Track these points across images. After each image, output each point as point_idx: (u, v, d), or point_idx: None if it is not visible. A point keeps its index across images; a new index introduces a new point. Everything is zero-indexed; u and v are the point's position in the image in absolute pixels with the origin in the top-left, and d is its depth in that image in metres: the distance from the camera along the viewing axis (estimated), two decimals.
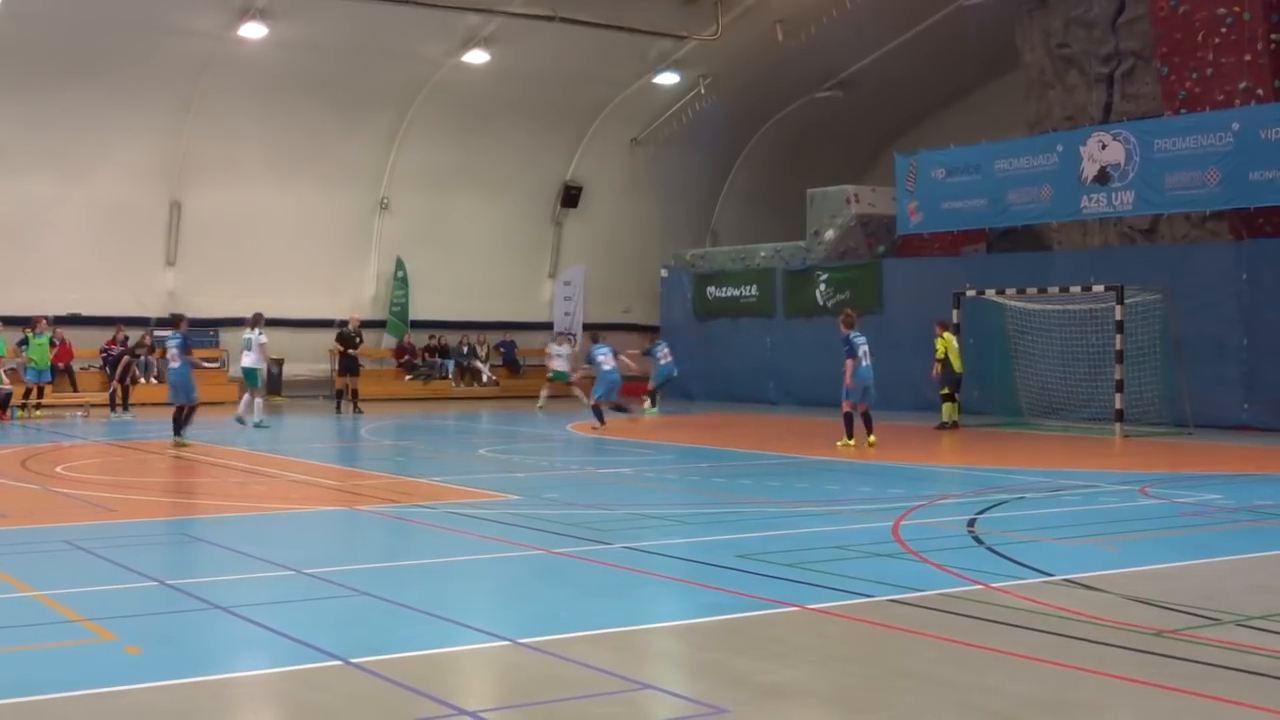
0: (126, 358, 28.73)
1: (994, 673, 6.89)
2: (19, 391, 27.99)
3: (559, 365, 31.01)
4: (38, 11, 28.95)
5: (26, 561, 10.30)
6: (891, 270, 30.47)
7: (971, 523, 12.28)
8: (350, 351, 29.84)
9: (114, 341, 30.61)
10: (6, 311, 29.43)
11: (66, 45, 29.90)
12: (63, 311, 31.32)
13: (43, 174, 31.32)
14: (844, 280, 31.33)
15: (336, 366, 31.45)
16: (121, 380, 28.41)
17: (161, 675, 6.86)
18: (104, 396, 29.06)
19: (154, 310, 33.15)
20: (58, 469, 17.42)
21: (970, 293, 26.11)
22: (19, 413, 27.66)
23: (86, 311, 31.97)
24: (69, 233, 31.72)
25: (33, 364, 28.03)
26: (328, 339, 33.08)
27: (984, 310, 26.51)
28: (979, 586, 9.06)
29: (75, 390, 30.64)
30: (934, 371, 24.49)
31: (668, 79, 36.11)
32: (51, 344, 29.07)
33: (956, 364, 24.36)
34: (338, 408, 29.94)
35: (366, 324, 34.00)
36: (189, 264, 33.53)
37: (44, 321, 28.97)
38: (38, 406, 28.23)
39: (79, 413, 29.23)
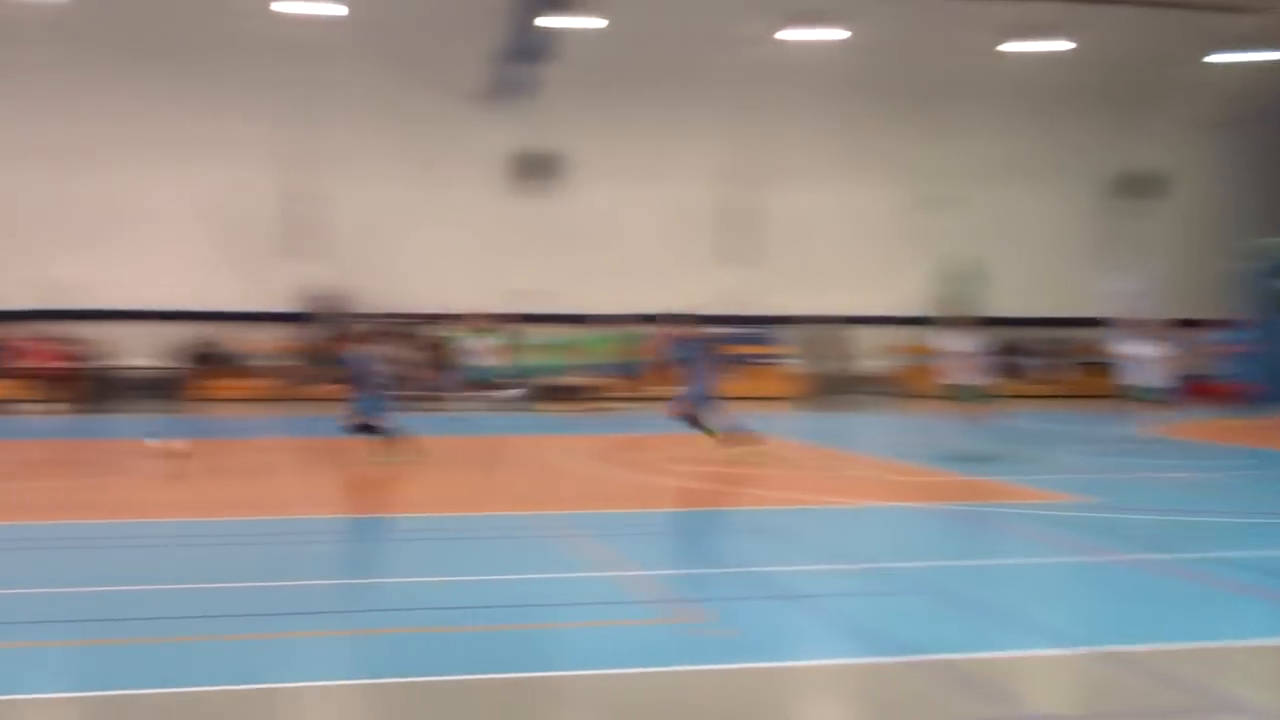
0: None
1: None
2: None
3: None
4: (636, 30, 31.35)
5: (621, 544, 10.92)
6: None
7: None
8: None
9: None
10: (591, 309, 31.69)
11: (648, 59, 32.12)
12: (644, 309, 33.25)
13: (625, 180, 33.71)
14: None
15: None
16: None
17: (744, 657, 7.14)
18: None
19: (715, 308, 34.77)
20: (643, 456, 18.43)
21: None
22: None
23: (665, 308, 33.81)
24: (649, 235, 33.91)
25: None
26: (887, 336, 33.47)
27: None
28: None
29: None
30: None
31: (1244, 57, 33.54)
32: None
33: None
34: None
35: (922, 321, 34.14)
36: (760, 263, 34.88)
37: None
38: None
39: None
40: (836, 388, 33.03)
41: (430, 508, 13.36)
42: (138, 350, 30.54)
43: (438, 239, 33.23)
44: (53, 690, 6.65)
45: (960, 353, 18.24)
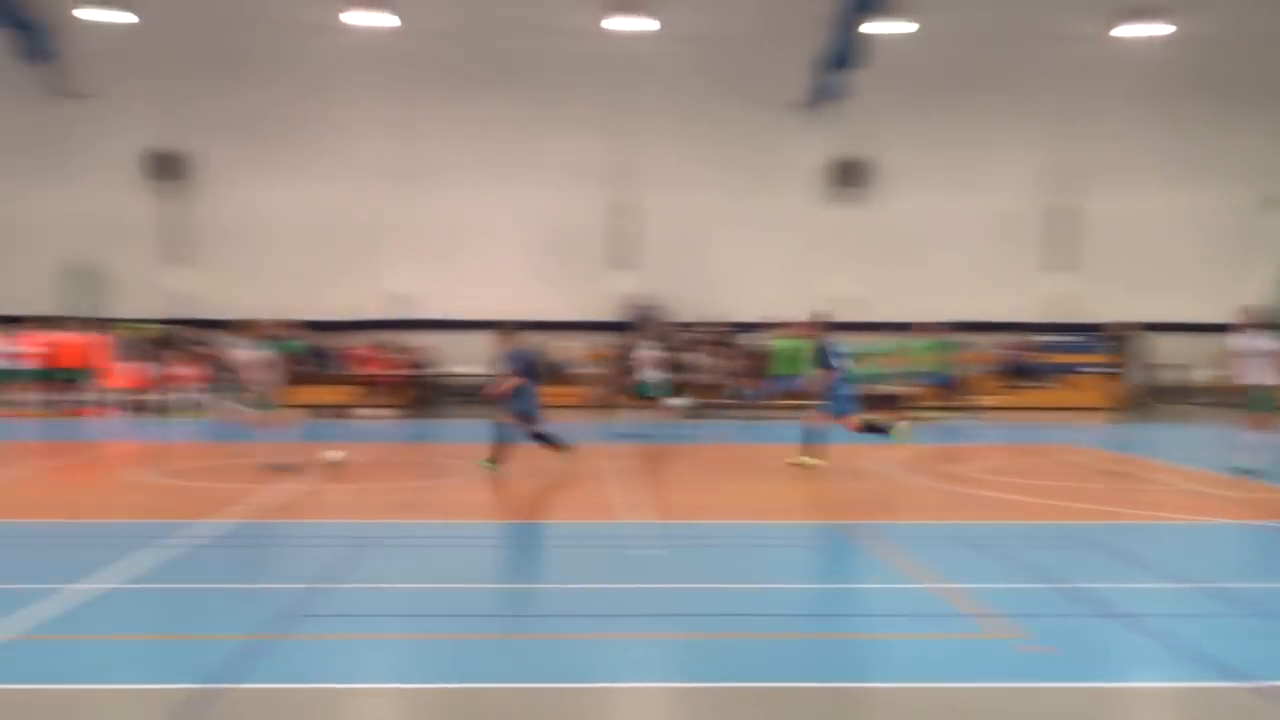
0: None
1: None
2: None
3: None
4: (944, 33, 31.01)
5: (932, 555, 10.86)
6: None
7: None
8: None
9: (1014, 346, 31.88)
10: (904, 317, 31.38)
11: (961, 62, 31.69)
12: (959, 317, 32.77)
13: (940, 187, 33.31)
14: None
15: None
16: None
17: (1060, 676, 7.00)
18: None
19: (1035, 315, 33.98)
20: (955, 468, 18.23)
21: None
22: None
23: (982, 316, 33.29)
24: (965, 242, 33.42)
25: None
26: (1214, 343, 31.99)
27: None
28: None
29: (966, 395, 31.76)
30: None
31: None
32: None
33: None
34: None
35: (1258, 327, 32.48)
36: (1083, 270, 33.92)
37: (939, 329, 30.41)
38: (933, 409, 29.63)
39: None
40: (1161, 397, 31.70)
41: (743, 515, 13.57)
42: (467, 359, 32.03)
43: (753, 247, 33.62)
44: (393, 680, 7.12)
45: (1258, 353, 17.08)
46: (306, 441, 18.07)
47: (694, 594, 9.32)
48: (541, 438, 17.01)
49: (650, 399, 23.55)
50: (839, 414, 16.98)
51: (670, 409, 24.04)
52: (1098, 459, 20.14)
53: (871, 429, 17.20)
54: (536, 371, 17.18)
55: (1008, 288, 33.66)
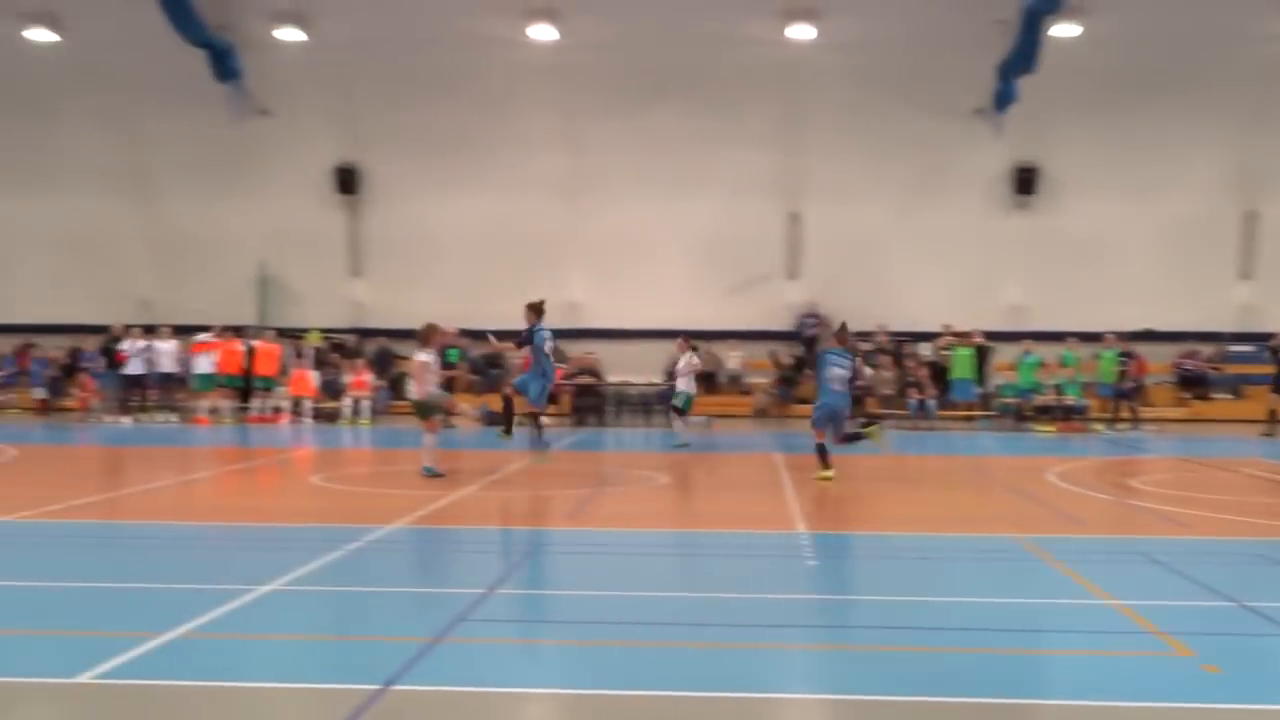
0: None
1: None
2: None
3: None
4: (1117, 34, 30.23)
5: (1105, 570, 10.62)
6: None
7: None
8: None
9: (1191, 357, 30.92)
10: (1078, 327, 30.68)
11: (1147, 64, 30.87)
12: (1135, 327, 31.90)
13: (1115, 193, 32.38)
14: None
15: None
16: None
17: (1238, 697, 6.81)
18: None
19: (1213, 324, 32.84)
20: (1130, 481, 17.79)
21: None
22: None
23: (1159, 326, 32.34)
24: (1141, 250, 32.44)
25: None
26: None
27: None
28: None
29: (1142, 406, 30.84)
30: None
31: None
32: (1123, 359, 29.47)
33: None
34: None
35: None
36: (1262, 278, 32.74)
37: (1110, 337, 29.64)
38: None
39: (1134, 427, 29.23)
40: None
41: (916, 527, 13.41)
42: (636, 368, 32.18)
43: (926, 256, 33.05)
44: (557, 686, 7.26)
45: None
46: (476, 450, 18.41)
47: (864, 606, 9.27)
48: (535, 422, 17.64)
49: (680, 411, 23.04)
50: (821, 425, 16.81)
51: (690, 423, 23.60)
52: (1276, 471, 19.48)
53: (853, 437, 17.04)
54: (550, 355, 17.45)
55: (1185, 296, 32.49)
